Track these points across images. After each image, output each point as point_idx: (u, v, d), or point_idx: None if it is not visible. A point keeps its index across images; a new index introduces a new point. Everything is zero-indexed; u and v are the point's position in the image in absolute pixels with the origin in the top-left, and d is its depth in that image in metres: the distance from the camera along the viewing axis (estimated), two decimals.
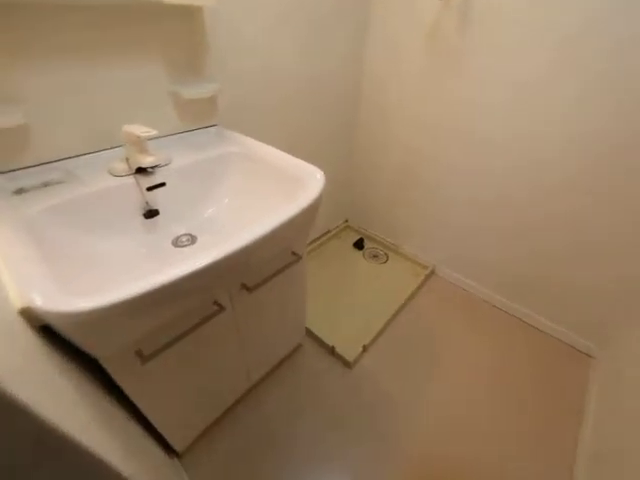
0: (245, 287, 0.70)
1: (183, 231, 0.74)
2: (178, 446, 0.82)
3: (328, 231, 1.74)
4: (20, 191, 0.59)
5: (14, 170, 0.61)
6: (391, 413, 1.02)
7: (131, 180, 0.67)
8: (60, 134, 0.64)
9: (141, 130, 0.61)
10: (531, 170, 1.09)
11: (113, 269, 0.59)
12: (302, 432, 0.97)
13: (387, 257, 1.63)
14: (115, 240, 0.65)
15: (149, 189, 0.70)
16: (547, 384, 1.12)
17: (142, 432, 0.67)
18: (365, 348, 1.17)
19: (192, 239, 0.74)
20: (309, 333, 1.22)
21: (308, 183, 0.69)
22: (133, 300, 0.43)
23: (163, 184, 0.72)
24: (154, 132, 0.61)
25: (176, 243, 0.72)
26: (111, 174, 0.67)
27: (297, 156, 0.76)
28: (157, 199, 0.72)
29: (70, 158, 0.67)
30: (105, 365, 0.52)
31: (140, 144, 0.64)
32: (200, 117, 0.86)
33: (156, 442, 0.75)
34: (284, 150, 0.78)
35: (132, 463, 0.42)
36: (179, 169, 0.75)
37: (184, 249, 0.71)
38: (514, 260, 1.27)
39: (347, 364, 1.13)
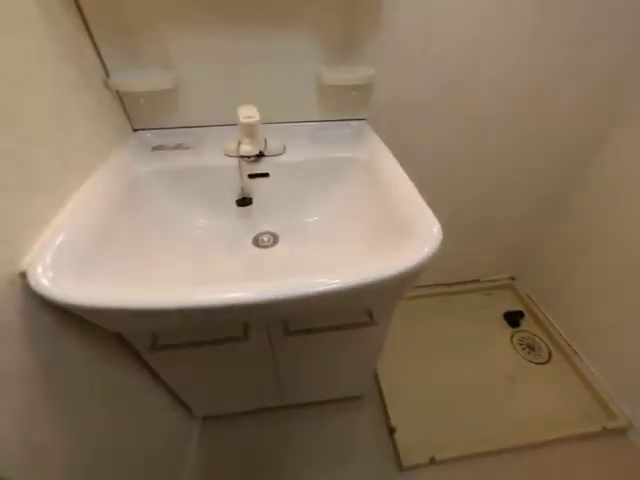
0: (285, 327, 0.57)
1: (269, 229, 0.67)
2: (196, 411, 0.86)
3: (478, 280, 1.31)
4: (158, 147, 0.66)
5: (161, 128, 0.68)
6: None
7: (236, 163, 0.63)
8: (201, 103, 0.65)
9: (245, 114, 0.53)
10: None
11: (181, 247, 0.59)
12: None
13: (549, 358, 1.08)
14: (200, 217, 0.64)
15: (251, 176, 0.65)
16: None
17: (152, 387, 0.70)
18: (433, 461, 0.84)
19: (274, 241, 0.66)
20: (379, 389, 0.99)
21: (410, 243, 0.45)
22: (119, 310, 0.37)
23: (266, 174, 0.65)
24: (255, 119, 0.53)
25: (257, 241, 0.66)
26: (224, 152, 0.65)
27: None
28: (255, 188, 0.66)
29: (205, 127, 0.69)
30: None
31: (246, 128, 0.57)
32: (345, 108, 0.71)
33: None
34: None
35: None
36: (288, 163, 0.65)
37: (262, 250, 0.64)
38: None
39: (398, 463, 0.85)
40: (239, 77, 0.63)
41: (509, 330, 1.17)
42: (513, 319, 1.18)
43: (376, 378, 1.01)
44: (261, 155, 0.63)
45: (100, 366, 0.51)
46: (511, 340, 1.13)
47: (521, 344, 1.12)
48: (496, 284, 1.31)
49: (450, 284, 1.30)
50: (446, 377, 1.03)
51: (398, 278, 0.41)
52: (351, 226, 0.62)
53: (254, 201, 0.67)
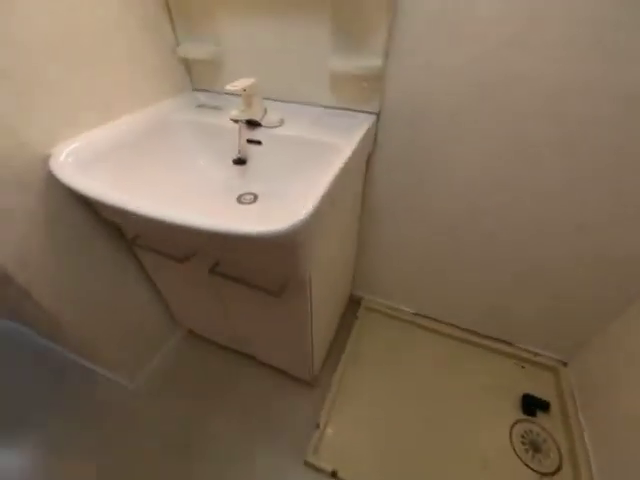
0: (214, 266, 0.68)
1: (252, 190, 0.77)
2: (177, 317, 1.05)
3: (511, 343, 1.06)
4: (201, 106, 0.84)
5: (208, 91, 0.85)
6: None
7: (236, 127, 0.74)
8: (238, 75, 0.78)
9: (234, 83, 0.63)
10: None
11: (176, 179, 0.75)
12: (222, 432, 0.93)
13: (555, 471, 0.82)
14: (202, 166, 0.79)
15: (249, 142, 0.75)
16: None
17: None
18: (335, 475, 0.80)
19: (253, 200, 0.75)
20: (330, 383, 0.98)
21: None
22: (99, 201, 0.55)
23: (259, 142, 0.74)
24: (235, 88, 0.62)
25: (240, 198, 0.77)
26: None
27: None
28: (250, 152, 0.76)
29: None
30: None
31: (244, 97, 0.68)
32: (356, 98, 0.72)
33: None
34: None
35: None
36: (280, 136, 0.72)
37: (241, 206, 0.75)
38: None
39: (305, 462, 0.84)
40: (263, 56, 0.74)
41: (516, 415, 0.92)
42: (531, 405, 0.92)
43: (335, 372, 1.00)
44: (257, 124, 0.73)
45: (98, 240, 0.74)
46: (511, 427, 0.90)
47: (523, 438, 0.87)
48: (536, 360, 1.03)
49: (481, 335, 1.10)
50: (406, 418, 0.92)
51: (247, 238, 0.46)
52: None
53: (248, 163, 0.78)
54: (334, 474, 0.80)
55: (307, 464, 0.83)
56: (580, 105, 0.58)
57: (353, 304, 1.21)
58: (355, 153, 0.62)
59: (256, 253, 0.56)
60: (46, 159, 0.58)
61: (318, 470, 0.82)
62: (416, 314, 1.16)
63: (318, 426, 0.88)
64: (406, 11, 0.59)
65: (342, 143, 0.65)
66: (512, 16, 0.55)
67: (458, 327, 1.12)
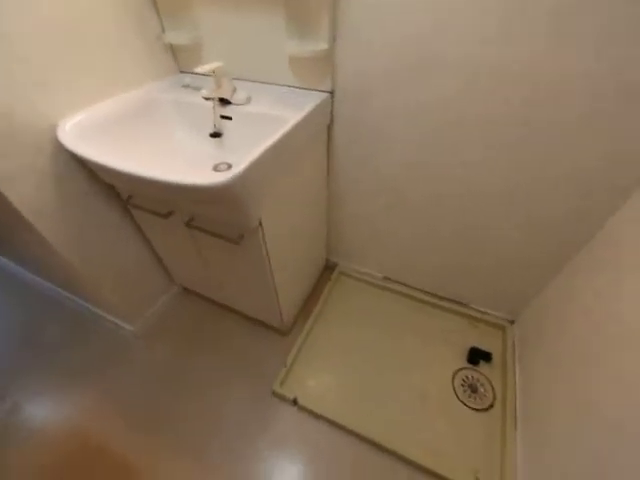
0: (189, 220, 0.82)
1: (228, 160, 0.90)
2: (175, 279, 1.23)
3: (466, 304, 1.17)
4: (186, 86, 0.97)
5: (193, 73, 0.98)
6: None
7: (212, 105, 0.87)
8: (214, 58, 0.91)
9: (203, 66, 0.76)
10: None
11: (158, 149, 0.89)
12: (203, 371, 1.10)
13: (487, 408, 0.94)
14: (182, 138, 0.92)
15: (222, 117, 0.88)
16: None
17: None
18: (295, 403, 0.96)
19: (227, 169, 0.89)
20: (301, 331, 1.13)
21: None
22: (89, 160, 0.70)
23: (230, 118, 0.87)
24: (204, 70, 0.75)
25: (216, 167, 0.90)
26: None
27: None
28: (225, 127, 0.89)
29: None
30: None
31: (214, 78, 0.80)
32: (309, 78, 0.83)
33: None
34: None
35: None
36: (246, 113, 0.84)
37: (215, 173, 0.88)
38: None
39: (273, 392, 1.00)
40: (234, 42, 0.86)
41: (462, 364, 1.04)
42: (475, 356, 1.04)
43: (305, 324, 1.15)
44: (227, 102, 0.85)
45: (99, 200, 0.90)
46: (454, 374, 1.02)
47: (463, 381, 1.00)
48: (487, 319, 1.13)
49: (441, 297, 1.22)
50: (361, 362, 1.06)
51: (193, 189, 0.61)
52: None
53: (223, 136, 0.90)
54: (295, 401, 0.96)
55: (274, 394, 0.99)
56: (495, 86, 0.68)
57: (330, 270, 1.34)
58: (299, 126, 0.73)
59: (211, 205, 0.70)
60: (54, 129, 0.73)
61: (282, 398, 0.98)
62: (386, 278, 1.28)
63: (285, 365, 1.03)
64: (341, 5, 0.69)
65: (289, 117, 0.76)
66: (435, 6, 0.64)
67: (422, 290, 1.23)
